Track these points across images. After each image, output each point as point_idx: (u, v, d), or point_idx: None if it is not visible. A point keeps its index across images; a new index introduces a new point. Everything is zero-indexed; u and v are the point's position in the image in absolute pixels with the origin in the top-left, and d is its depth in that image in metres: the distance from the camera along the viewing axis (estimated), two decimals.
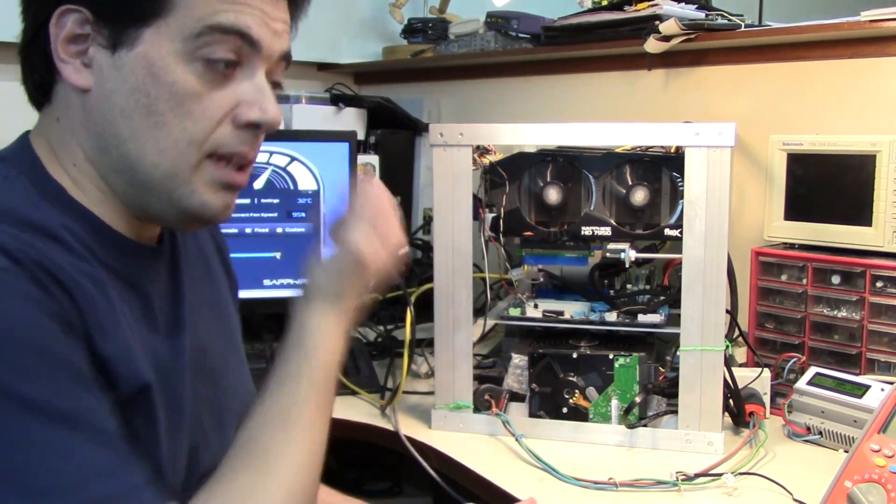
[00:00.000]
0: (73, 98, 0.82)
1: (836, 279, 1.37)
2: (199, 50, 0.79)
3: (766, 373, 1.34)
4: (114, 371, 0.77)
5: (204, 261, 1.01)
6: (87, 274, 0.77)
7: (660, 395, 1.29)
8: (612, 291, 1.40)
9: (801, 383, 1.30)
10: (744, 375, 1.32)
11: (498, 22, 2.11)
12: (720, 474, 1.16)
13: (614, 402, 1.29)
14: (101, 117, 0.80)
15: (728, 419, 1.31)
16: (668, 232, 1.30)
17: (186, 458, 0.87)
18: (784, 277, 1.44)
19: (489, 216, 1.37)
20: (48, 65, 0.81)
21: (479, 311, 1.40)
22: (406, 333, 1.41)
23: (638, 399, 1.27)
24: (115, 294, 0.81)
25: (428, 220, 2.09)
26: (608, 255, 1.32)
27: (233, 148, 0.83)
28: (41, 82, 0.83)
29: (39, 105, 0.85)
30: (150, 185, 0.81)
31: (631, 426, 1.27)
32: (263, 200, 1.72)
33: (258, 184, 1.71)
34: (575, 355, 1.30)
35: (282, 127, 2.03)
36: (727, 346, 1.24)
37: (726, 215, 1.22)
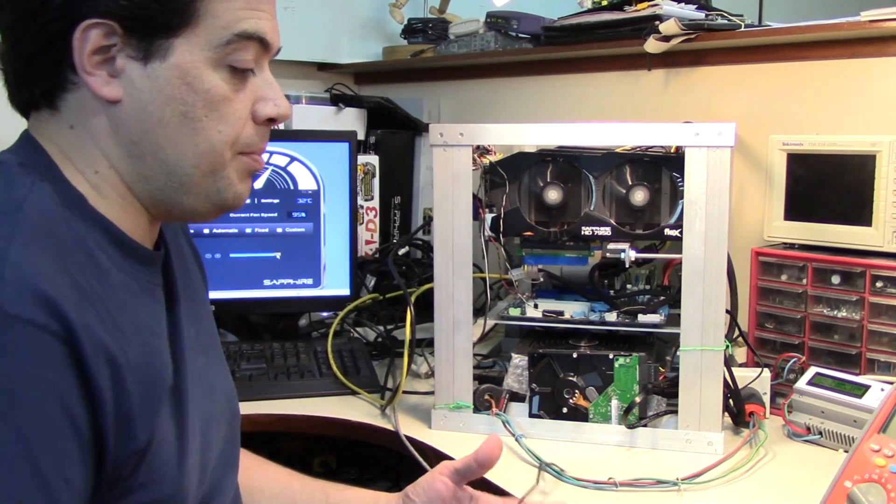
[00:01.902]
0: (94, 108, 0.81)
1: (836, 279, 1.37)
2: (226, 57, 0.82)
3: (766, 373, 1.34)
4: (146, 378, 0.79)
5: (183, 260, 1.02)
6: (107, 286, 0.79)
7: (660, 395, 1.29)
8: (612, 291, 1.40)
9: (801, 383, 1.30)
10: (744, 375, 1.32)
11: (498, 22, 2.11)
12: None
13: (614, 402, 1.29)
14: (135, 127, 0.82)
15: (728, 419, 1.31)
16: (668, 232, 1.30)
17: (199, 449, 0.89)
18: (784, 277, 1.44)
19: (489, 216, 1.37)
20: (59, 74, 0.80)
21: (479, 311, 1.40)
22: (406, 333, 1.41)
23: (638, 399, 1.27)
24: (136, 302, 0.83)
25: (428, 220, 2.09)
26: (608, 255, 1.32)
27: (257, 144, 0.88)
28: (46, 90, 0.82)
29: (29, 109, 0.84)
30: (189, 185, 0.85)
31: (631, 426, 1.27)
32: (263, 200, 1.72)
33: (258, 184, 1.71)
34: (575, 355, 1.30)
35: (282, 127, 2.04)
36: (727, 346, 1.24)
37: (726, 215, 1.22)
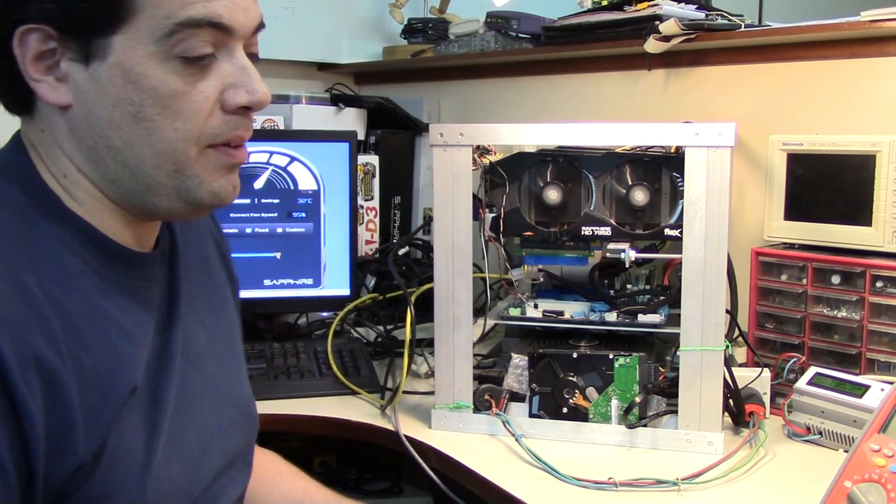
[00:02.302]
0: (53, 114, 0.80)
1: (836, 279, 1.37)
2: (173, 48, 0.76)
3: (766, 373, 1.34)
4: (102, 386, 0.77)
5: (205, 265, 1.00)
6: (71, 290, 0.77)
7: (660, 395, 1.29)
8: (612, 291, 1.40)
9: (801, 383, 1.30)
10: (744, 375, 1.32)
11: (498, 22, 2.11)
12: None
13: (614, 402, 1.29)
14: (88, 131, 0.79)
15: (728, 419, 1.31)
16: (668, 232, 1.30)
17: (182, 460, 0.86)
18: (784, 277, 1.44)
19: (489, 216, 1.37)
20: (19, 82, 0.78)
21: (479, 311, 1.39)
22: (406, 333, 1.41)
23: (638, 399, 1.27)
24: (111, 304, 0.81)
25: (428, 220, 2.09)
26: (608, 255, 1.32)
27: (228, 134, 0.81)
28: (17, 97, 0.81)
29: (20, 113, 0.83)
30: (155, 186, 0.80)
31: (631, 426, 1.27)
32: (263, 200, 1.72)
33: (258, 184, 1.71)
34: (575, 355, 1.30)
35: (281, 127, 2.03)
36: (727, 346, 1.24)
37: (726, 215, 1.22)
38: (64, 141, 0.80)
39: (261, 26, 0.84)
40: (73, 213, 0.81)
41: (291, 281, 1.74)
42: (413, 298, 1.53)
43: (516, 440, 1.27)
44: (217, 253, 1.04)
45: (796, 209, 1.46)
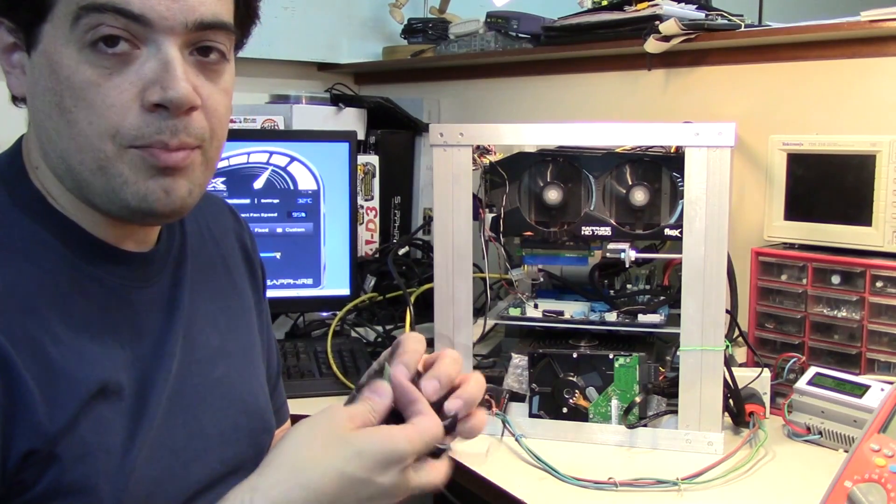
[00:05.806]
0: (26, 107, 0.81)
1: (836, 279, 1.37)
2: (84, 36, 0.73)
3: (766, 373, 1.34)
4: (69, 379, 0.76)
5: (225, 267, 0.99)
6: (44, 286, 0.78)
7: (660, 395, 1.29)
8: (612, 291, 1.40)
9: (801, 383, 1.30)
10: (744, 375, 1.32)
11: (498, 22, 2.11)
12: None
13: (614, 402, 1.29)
14: (36, 123, 0.79)
15: (728, 419, 1.31)
16: (668, 232, 1.30)
17: (168, 463, 0.84)
18: (784, 277, 1.44)
19: (489, 216, 1.37)
20: None
21: (479, 311, 1.40)
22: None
23: (638, 399, 1.27)
24: (87, 301, 0.80)
25: (428, 220, 2.09)
26: (608, 255, 1.32)
27: (150, 137, 0.76)
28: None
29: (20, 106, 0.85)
30: (86, 183, 0.78)
31: (631, 426, 1.27)
32: (263, 200, 1.72)
33: (258, 184, 1.71)
34: (575, 355, 1.30)
35: (281, 127, 2.03)
36: (727, 346, 1.24)
37: (726, 215, 1.22)
38: (32, 135, 0.81)
39: (213, 25, 0.77)
40: (57, 211, 0.81)
41: (291, 281, 1.74)
42: (413, 298, 1.53)
43: (516, 440, 1.27)
44: (242, 256, 1.03)
45: (796, 209, 1.46)
